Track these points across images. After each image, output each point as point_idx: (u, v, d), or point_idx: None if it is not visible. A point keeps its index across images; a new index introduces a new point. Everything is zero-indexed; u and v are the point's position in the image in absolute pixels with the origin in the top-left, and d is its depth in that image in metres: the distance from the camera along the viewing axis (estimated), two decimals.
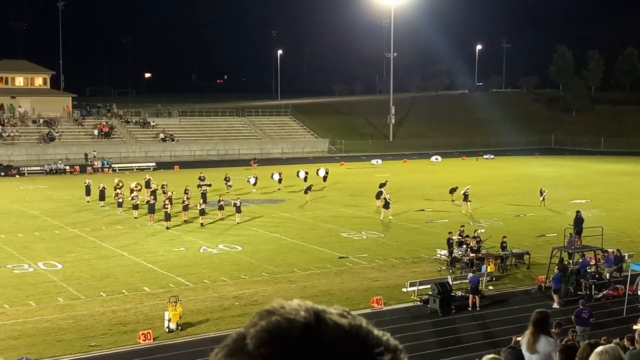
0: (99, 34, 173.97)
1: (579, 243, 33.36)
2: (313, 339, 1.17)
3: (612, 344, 4.89)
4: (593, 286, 28.16)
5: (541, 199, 48.44)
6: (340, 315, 1.22)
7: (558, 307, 26.08)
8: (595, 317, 23.22)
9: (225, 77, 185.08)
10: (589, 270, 29.07)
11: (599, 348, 4.49)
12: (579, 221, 36.57)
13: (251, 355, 1.17)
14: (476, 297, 26.38)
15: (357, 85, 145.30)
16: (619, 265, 30.59)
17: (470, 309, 26.20)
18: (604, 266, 30.37)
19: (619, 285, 28.13)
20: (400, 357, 1.23)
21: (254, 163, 73.61)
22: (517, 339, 19.96)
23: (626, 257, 31.72)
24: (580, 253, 30.49)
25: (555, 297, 26.89)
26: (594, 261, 29.86)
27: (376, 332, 1.23)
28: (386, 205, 43.74)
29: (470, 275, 27.44)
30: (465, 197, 46.26)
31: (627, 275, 27.61)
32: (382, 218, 43.40)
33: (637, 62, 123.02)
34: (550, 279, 27.75)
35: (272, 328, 1.19)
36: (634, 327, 14.18)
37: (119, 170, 70.73)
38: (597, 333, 20.23)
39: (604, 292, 28.13)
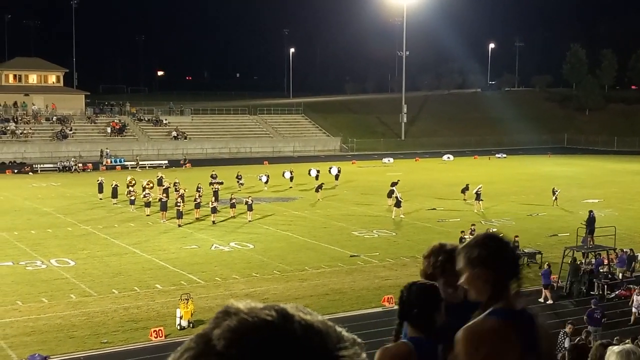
0: (112, 32, 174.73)
1: (591, 243, 33.22)
2: (283, 336, 1.17)
3: (632, 345, 4.86)
4: (605, 286, 28.05)
5: (554, 198, 48.24)
6: (303, 312, 1.23)
7: (552, 302, 26.69)
8: (607, 318, 23.11)
9: (238, 75, 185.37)
10: (601, 270, 28.95)
11: (618, 347, 4.44)
12: (591, 221, 36.41)
13: (222, 356, 1.17)
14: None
15: (369, 83, 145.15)
16: (631, 266, 30.47)
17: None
18: (616, 266, 30.21)
19: (631, 286, 27.97)
20: (362, 350, 1.24)
21: (185, 164, 73.04)
22: None
23: (639, 257, 31.58)
24: (593, 253, 30.35)
25: (545, 292, 27.14)
26: (606, 261, 29.73)
27: (337, 327, 1.24)
28: (398, 204, 43.68)
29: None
30: (478, 196, 46.13)
31: None
32: (393, 217, 43.35)
33: None
34: (540, 274, 28.00)
35: (240, 327, 1.18)
36: None
37: (147, 167, 70.86)
38: (608, 333, 20.14)
39: (617, 292, 28.01)
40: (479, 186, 46.71)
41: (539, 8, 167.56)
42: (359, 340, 1.25)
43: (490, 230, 33.77)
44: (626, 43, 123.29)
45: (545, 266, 28.67)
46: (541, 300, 27.06)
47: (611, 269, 29.64)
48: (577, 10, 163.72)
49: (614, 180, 64.52)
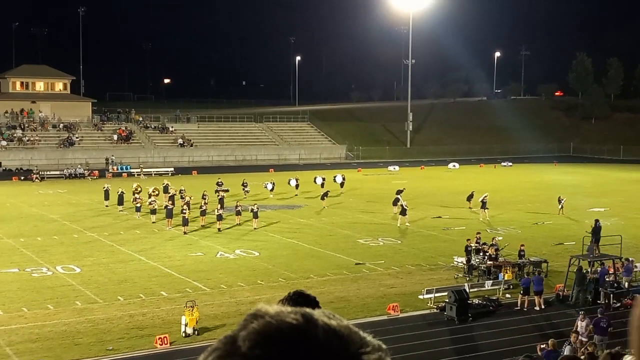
0: (119, 39, 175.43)
1: (597, 252, 33.14)
2: (306, 339, 1.19)
3: None
4: (611, 295, 27.97)
5: (560, 207, 48.15)
6: (328, 317, 1.25)
7: (542, 307, 27.05)
8: (613, 327, 23.03)
9: (244, 82, 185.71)
10: (607, 279, 28.87)
11: (629, 358, 4.42)
12: (597, 230, 36.32)
13: (246, 357, 1.19)
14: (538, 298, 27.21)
15: (374, 91, 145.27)
16: (630, 275, 30.44)
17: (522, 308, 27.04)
18: (622, 275, 30.12)
19: (638, 295, 27.87)
20: (386, 356, 1.26)
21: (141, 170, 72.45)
22: (542, 346, 19.92)
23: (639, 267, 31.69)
24: (599, 262, 30.28)
25: (536, 299, 27.26)
26: (612, 270, 29.65)
27: (361, 332, 1.26)
28: (403, 212, 43.70)
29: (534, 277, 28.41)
30: (483, 205, 46.08)
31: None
32: (399, 225, 43.32)
33: None
34: (532, 280, 28.06)
35: (265, 330, 1.21)
36: None
37: (152, 174, 70.93)
38: (615, 342, 20.06)
39: (623, 301, 27.92)
40: (485, 194, 46.68)
41: (544, 17, 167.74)
42: (384, 346, 1.27)
43: (497, 239, 33.79)
44: (632, 52, 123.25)
45: (536, 273, 28.84)
46: (537, 308, 27.02)
47: (617, 277, 29.55)
48: (583, 19, 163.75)
49: (620, 189, 64.37)
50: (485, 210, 46.00)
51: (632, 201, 55.99)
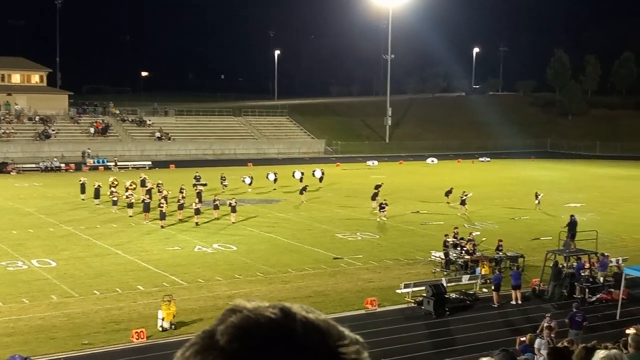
0: (97, 32, 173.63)
1: (573, 247, 33.41)
2: (284, 333, 1.19)
3: (616, 350, 4.86)
4: (587, 290, 28.23)
5: (536, 202, 48.49)
6: (306, 311, 1.25)
7: (520, 302, 27.25)
8: (588, 321, 23.23)
9: (223, 76, 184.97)
10: (583, 274, 29.13)
11: (603, 352, 4.42)
12: (573, 225, 36.63)
13: (224, 350, 1.18)
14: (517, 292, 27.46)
15: (354, 86, 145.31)
16: (605, 270, 30.80)
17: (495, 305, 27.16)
18: (598, 270, 30.40)
19: (612, 289, 28.16)
20: (363, 349, 1.26)
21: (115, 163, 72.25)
22: (522, 339, 20.03)
23: (614, 262, 32.03)
24: (575, 256, 30.54)
25: (515, 293, 27.45)
26: (588, 265, 29.92)
27: (339, 326, 1.27)
28: (382, 207, 43.81)
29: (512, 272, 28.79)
30: (463, 201, 46.29)
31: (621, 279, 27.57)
32: (377, 219, 43.45)
33: (634, 67, 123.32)
34: (510, 275, 28.30)
35: (244, 324, 1.21)
36: (627, 331, 14.18)
37: (130, 167, 70.39)
38: (590, 337, 20.24)
39: (598, 295, 28.20)
40: (468, 194, 46.79)
41: (523, 14, 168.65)
42: (361, 339, 1.27)
43: (473, 234, 33.98)
44: (610, 49, 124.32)
45: (514, 268, 29.00)
46: (513, 302, 27.23)
47: (592, 272, 29.83)
48: (562, 16, 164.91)
49: (596, 184, 64.99)
50: (464, 205, 46.29)
51: (608, 197, 56.57)
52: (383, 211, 43.64)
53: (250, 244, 36.40)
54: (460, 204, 46.44)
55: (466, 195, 46.52)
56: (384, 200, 44.63)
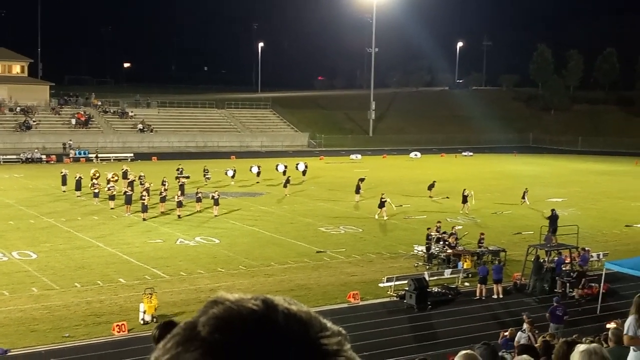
0: (79, 22, 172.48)
1: (554, 241, 33.61)
2: (266, 324, 1.19)
3: (596, 344, 4.87)
4: (568, 284, 28.41)
5: (524, 200, 48.21)
6: (288, 303, 1.25)
7: (501, 296, 27.40)
8: (569, 315, 23.39)
9: (206, 68, 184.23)
10: (564, 269, 29.32)
11: (583, 347, 4.43)
12: (554, 219, 36.84)
13: (205, 341, 1.18)
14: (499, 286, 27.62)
15: (338, 79, 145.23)
16: (586, 264, 31.08)
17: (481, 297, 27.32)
18: (579, 264, 30.62)
19: (593, 284, 28.36)
20: (345, 341, 1.26)
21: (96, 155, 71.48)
22: (505, 333, 20.11)
23: (595, 257, 32.30)
24: (556, 251, 30.73)
25: (497, 287, 27.62)
26: (569, 259, 30.12)
27: (321, 318, 1.27)
28: (381, 205, 42.66)
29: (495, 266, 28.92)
30: (464, 199, 45.46)
31: (602, 273, 27.78)
32: (376, 216, 42.55)
33: (616, 62, 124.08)
34: (492, 269, 28.47)
35: (226, 315, 1.20)
36: (608, 325, 14.32)
37: (112, 159, 69.93)
38: (570, 331, 20.37)
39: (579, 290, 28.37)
40: (470, 192, 45.95)
41: (507, 8, 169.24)
42: (343, 331, 1.27)
43: (456, 229, 34.05)
44: (592, 44, 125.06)
45: (496, 262, 29.11)
46: (494, 296, 27.42)
47: (573, 267, 30.02)
48: (545, 11, 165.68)
49: (578, 179, 65.44)
50: (466, 204, 45.41)
51: (589, 192, 56.98)
52: (383, 208, 42.39)
53: (233, 237, 36.31)
54: (462, 202, 45.61)
55: (467, 192, 45.80)
56: (382, 194, 43.17)
